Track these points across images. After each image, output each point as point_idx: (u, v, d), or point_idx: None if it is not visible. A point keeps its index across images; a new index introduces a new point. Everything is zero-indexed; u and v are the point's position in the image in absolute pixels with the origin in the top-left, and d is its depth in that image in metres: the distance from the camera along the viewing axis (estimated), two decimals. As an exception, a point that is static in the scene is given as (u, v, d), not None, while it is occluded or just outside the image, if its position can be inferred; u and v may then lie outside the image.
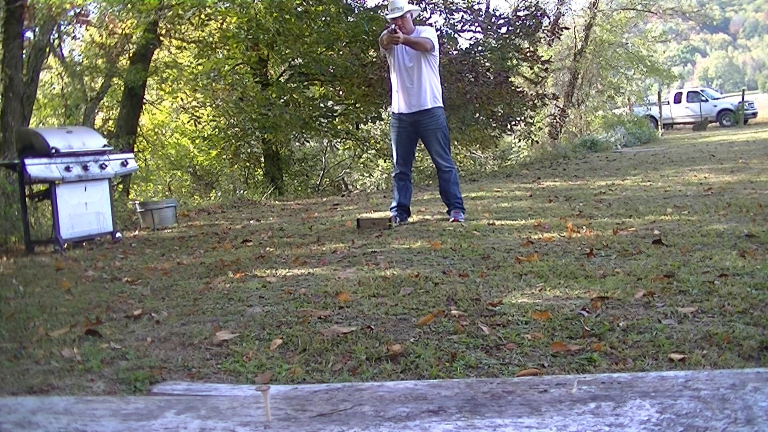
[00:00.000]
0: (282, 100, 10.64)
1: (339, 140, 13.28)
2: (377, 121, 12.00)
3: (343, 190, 13.43)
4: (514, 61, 11.60)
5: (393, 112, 5.37)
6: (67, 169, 5.56)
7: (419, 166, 14.13)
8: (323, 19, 10.55)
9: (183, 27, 11.58)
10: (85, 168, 5.70)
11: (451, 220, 5.24)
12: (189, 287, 3.51)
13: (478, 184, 9.13)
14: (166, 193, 13.25)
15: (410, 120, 5.21)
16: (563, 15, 18.46)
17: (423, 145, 5.54)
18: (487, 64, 11.23)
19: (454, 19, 11.84)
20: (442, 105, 5.32)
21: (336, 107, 12.02)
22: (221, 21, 11.32)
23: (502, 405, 1.13)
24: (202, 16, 10.97)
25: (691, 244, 3.67)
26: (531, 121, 12.33)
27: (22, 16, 8.03)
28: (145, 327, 2.74)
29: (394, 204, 5.47)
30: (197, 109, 12.64)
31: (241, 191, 11.57)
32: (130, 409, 1.22)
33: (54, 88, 12.60)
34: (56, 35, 11.05)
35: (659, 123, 21.68)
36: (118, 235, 5.98)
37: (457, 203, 5.32)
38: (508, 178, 9.88)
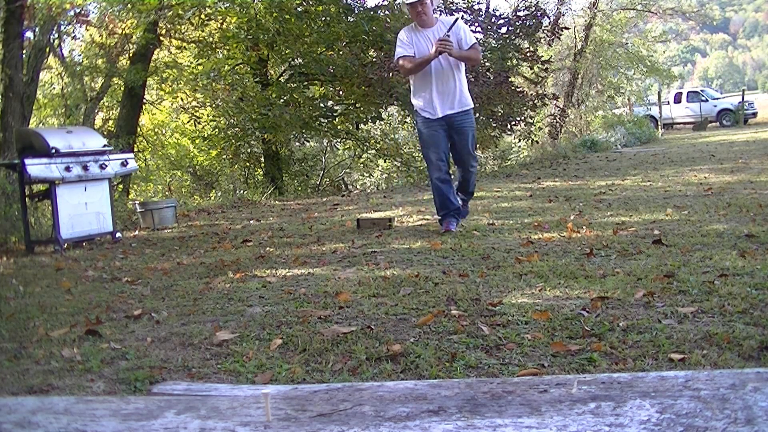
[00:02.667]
0: (282, 100, 10.64)
1: (339, 140, 13.29)
2: (377, 121, 12.00)
3: (343, 190, 13.44)
4: (514, 61, 11.61)
5: (426, 118, 4.79)
6: (67, 169, 5.56)
7: (419, 166, 14.16)
8: (323, 19, 10.55)
9: (183, 27, 11.58)
10: (85, 168, 5.70)
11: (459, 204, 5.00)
12: (189, 287, 3.51)
13: (478, 184, 9.12)
14: (166, 193, 13.25)
15: (446, 121, 4.77)
16: (563, 15, 18.46)
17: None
18: (487, 64, 11.23)
19: (454, 19, 11.83)
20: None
21: (336, 107, 12.03)
22: (221, 21, 11.33)
23: (502, 405, 1.13)
24: (202, 16, 10.98)
25: (691, 244, 3.67)
26: (531, 121, 12.33)
27: (22, 16, 8.03)
28: (145, 327, 2.74)
29: (445, 212, 4.84)
30: (197, 109, 12.64)
31: (241, 191, 11.58)
32: (130, 409, 1.22)
33: (54, 88, 12.60)
34: (56, 35, 11.05)
35: (659, 123, 21.69)
36: (118, 235, 5.98)
37: (467, 199, 5.11)
38: (508, 178, 9.89)
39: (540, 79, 13.61)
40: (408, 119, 12.82)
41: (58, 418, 1.18)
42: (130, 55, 11.25)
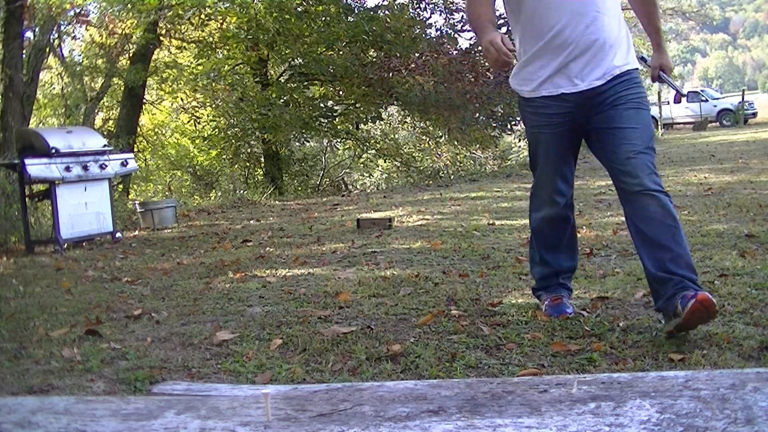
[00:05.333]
0: (282, 100, 10.65)
1: (339, 140, 13.30)
2: (377, 121, 12.00)
3: (343, 190, 13.44)
4: (515, 61, 11.60)
5: (536, 97, 2.39)
6: (67, 169, 5.56)
7: (419, 166, 14.12)
8: (323, 19, 10.57)
9: (183, 27, 11.60)
10: (85, 168, 5.70)
11: (691, 300, 2.02)
12: (189, 287, 3.51)
13: (478, 184, 9.13)
14: (166, 193, 13.26)
15: (580, 102, 2.30)
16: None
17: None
18: (486, 63, 11.23)
19: (454, 19, 11.86)
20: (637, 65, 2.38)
21: (336, 107, 12.04)
22: (221, 21, 11.34)
23: (502, 405, 1.13)
24: (202, 16, 10.99)
25: (691, 244, 3.65)
26: (531, 121, 12.32)
27: (22, 16, 8.04)
28: (145, 327, 2.74)
29: (544, 270, 2.55)
30: (197, 109, 12.66)
31: (241, 191, 11.59)
32: (130, 409, 1.22)
33: (54, 88, 12.62)
34: (56, 35, 11.07)
35: (659, 123, 21.67)
36: (118, 235, 5.98)
37: (692, 276, 2.16)
38: (508, 178, 9.88)
39: (540, 79, 13.61)
40: (408, 119, 12.79)
41: (58, 418, 1.18)
42: (130, 55, 11.26)
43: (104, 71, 11.47)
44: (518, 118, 11.68)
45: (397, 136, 14.82)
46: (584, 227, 4.49)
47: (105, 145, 6.06)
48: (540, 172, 2.50)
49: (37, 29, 9.85)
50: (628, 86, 2.27)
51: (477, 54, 11.37)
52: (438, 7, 11.83)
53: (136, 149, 11.49)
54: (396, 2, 11.08)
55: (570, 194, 2.50)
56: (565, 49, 2.25)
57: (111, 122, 11.91)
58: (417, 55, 10.61)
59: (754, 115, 24.05)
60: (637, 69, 2.35)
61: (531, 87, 2.39)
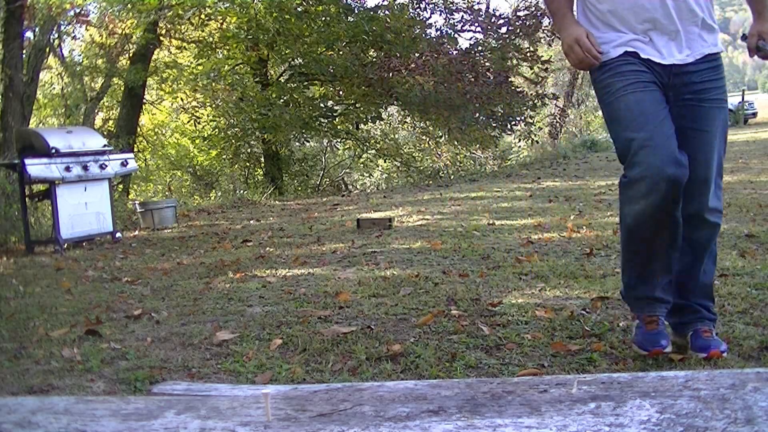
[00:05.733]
0: (282, 100, 10.65)
1: (339, 140, 13.30)
2: (377, 121, 12.01)
3: (343, 190, 13.45)
4: (514, 61, 11.61)
5: (616, 56, 1.98)
6: (67, 169, 5.56)
7: (419, 166, 14.11)
8: (323, 19, 10.57)
9: (183, 27, 11.60)
10: (85, 168, 5.70)
11: (701, 352, 1.94)
12: (189, 287, 3.51)
13: (478, 184, 9.13)
14: (166, 193, 13.27)
15: (666, 74, 1.98)
16: (563, 15, 18.39)
17: None
18: (487, 64, 11.24)
19: (454, 19, 11.87)
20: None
21: (336, 107, 12.05)
22: (221, 21, 11.34)
23: (502, 405, 1.13)
24: (202, 16, 10.99)
25: (691, 244, 3.66)
26: (531, 121, 12.33)
27: (22, 16, 8.04)
28: (145, 327, 2.74)
29: (643, 295, 2.03)
30: (197, 109, 12.66)
31: (241, 191, 11.59)
32: (130, 409, 1.22)
33: (54, 88, 12.63)
34: (56, 35, 11.08)
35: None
36: (118, 235, 5.98)
37: (708, 304, 2.04)
38: (508, 178, 9.88)
39: (540, 79, 13.61)
40: (408, 119, 12.79)
41: (58, 418, 1.18)
42: (130, 55, 11.26)
43: (104, 71, 11.47)
44: (518, 118, 11.69)
45: (397, 136, 14.83)
46: (584, 227, 4.49)
47: (105, 145, 6.06)
48: (630, 136, 1.91)
49: (37, 29, 9.86)
50: (716, 74, 2.02)
51: (477, 54, 11.38)
52: (438, 7, 11.82)
53: (136, 149, 11.49)
54: (396, 2, 11.08)
55: (683, 178, 1.88)
56: (647, 20, 1.95)
57: (111, 122, 11.92)
58: (417, 55, 10.62)
59: (754, 115, 24.01)
60: (721, 53, 2.09)
61: (610, 47, 2.00)
